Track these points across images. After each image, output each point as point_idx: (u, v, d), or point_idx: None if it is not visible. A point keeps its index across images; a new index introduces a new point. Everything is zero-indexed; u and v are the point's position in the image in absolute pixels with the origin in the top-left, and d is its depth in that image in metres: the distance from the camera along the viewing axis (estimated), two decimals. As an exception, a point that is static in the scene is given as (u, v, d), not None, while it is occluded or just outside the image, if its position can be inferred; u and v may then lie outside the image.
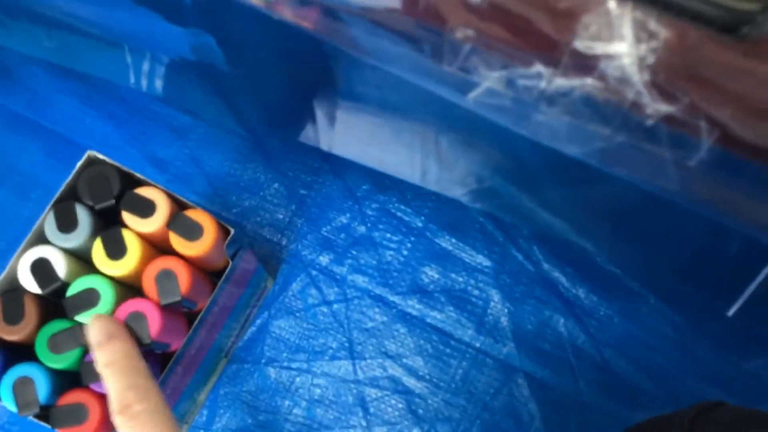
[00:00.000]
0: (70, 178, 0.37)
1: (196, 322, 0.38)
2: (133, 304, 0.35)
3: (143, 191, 0.37)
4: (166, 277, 0.35)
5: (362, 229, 0.54)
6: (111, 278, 0.36)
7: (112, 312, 0.35)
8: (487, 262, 0.53)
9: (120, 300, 0.36)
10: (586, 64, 0.21)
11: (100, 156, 0.37)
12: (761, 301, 0.41)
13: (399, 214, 0.54)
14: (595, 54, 0.20)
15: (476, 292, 0.52)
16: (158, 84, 0.46)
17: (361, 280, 0.53)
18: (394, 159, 0.48)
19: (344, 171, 0.55)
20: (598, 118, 0.22)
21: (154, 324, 0.35)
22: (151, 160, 0.55)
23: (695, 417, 0.32)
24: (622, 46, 0.20)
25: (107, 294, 0.35)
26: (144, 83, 0.44)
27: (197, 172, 0.55)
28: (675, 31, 0.20)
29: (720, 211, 0.27)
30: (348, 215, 0.54)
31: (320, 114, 0.44)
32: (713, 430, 0.31)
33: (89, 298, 0.35)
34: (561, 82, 0.21)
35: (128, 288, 0.38)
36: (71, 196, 0.37)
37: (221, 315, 0.43)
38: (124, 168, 0.37)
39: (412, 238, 0.53)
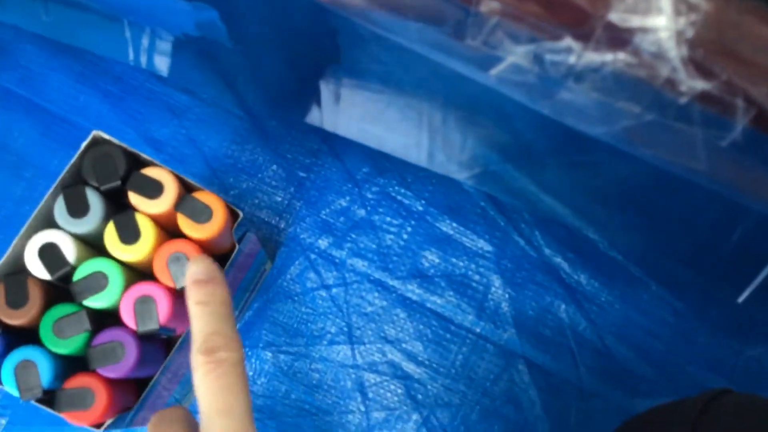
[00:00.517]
0: (74, 159, 0.36)
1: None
2: (142, 288, 0.34)
3: (150, 172, 0.36)
4: (178, 261, 0.35)
5: (362, 212, 0.53)
6: (120, 262, 0.35)
7: (121, 296, 0.34)
8: (488, 247, 0.52)
9: (129, 284, 0.35)
10: (619, 38, 0.20)
11: (105, 136, 0.36)
12: (764, 288, 0.41)
13: (399, 197, 0.53)
14: (630, 27, 0.20)
15: (477, 277, 0.52)
16: (157, 60, 0.45)
17: (360, 264, 0.52)
18: (398, 139, 0.47)
19: (344, 153, 0.54)
20: (628, 96, 0.22)
21: (163, 308, 0.34)
22: (147, 140, 0.54)
23: (702, 408, 0.31)
24: (660, 20, 0.19)
25: (116, 278, 0.34)
26: (143, 59, 0.43)
27: (194, 153, 0.54)
28: (716, 3, 0.19)
29: (747, 193, 0.27)
30: (347, 198, 0.53)
31: (325, 93, 0.43)
32: (720, 421, 0.31)
33: (97, 282, 0.34)
34: (592, 57, 0.21)
35: (137, 272, 0.37)
36: (76, 177, 0.36)
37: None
38: (130, 148, 0.36)
39: (413, 222, 0.53)
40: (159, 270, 0.35)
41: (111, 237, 0.35)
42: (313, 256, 0.52)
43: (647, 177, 0.39)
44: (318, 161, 0.54)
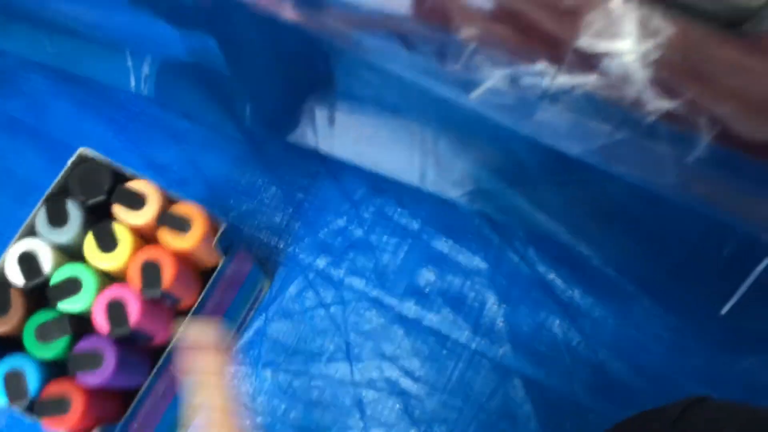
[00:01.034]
0: (61, 174, 0.38)
1: (188, 319, 0.38)
2: (113, 292, 0.35)
3: (134, 185, 0.37)
4: (150, 268, 0.36)
5: (359, 232, 0.54)
6: (95, 268, 0.37)
7: (94, 299, 0.36)
8: (483, 265, 0.53)
9: (103, 288, 0.36)
10: (589, 62, 0.21)
11: (92, 153, 0.38)
12: (754, 300, 0.42)
13: (396, 217, 0.54)
14: (598, 52, 0.21)
15: (472, 294, 0.53)
16: (158, 88, 0.46)
17: (358, 282, 0.53)
18: (392, 160, 0.48)
19: (341, 174, 0.55)
20: (599, 116, 0.23)
21: (134, 311, 0.35)
22: (149, 164, 0.55)
23: (679, 415, 0.32)
24: (626, 44, 0.21)
25: (89, 282, 0.36)
26: (144, 87, 0.44)
27: (196, 176, 0.55)
28: (678, 28, 0.20)
29: (716, 208, 0.28)
30: (345, 218, 0.54)
31: (320, 116, 0.44)
32: (696, 426, 0.31)
33: (71, 286, 0.35)
34: (564, 80, 0.22)
35: (113, 279, 0.38)
36: (63, 192, 0.38)
37: (215, 315, 0.43)
38: (115, 164, 0.38)
39: (409, 241, 0.54)
40: (131, 275, 0.36)
41: (90, 245, 0.36)
42: (311, 276, 0.53)
43: (636, 194, 0.40)
44: (316, 183, 0.55)
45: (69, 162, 0.39)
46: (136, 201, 0.37)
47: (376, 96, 0.44)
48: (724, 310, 0.36)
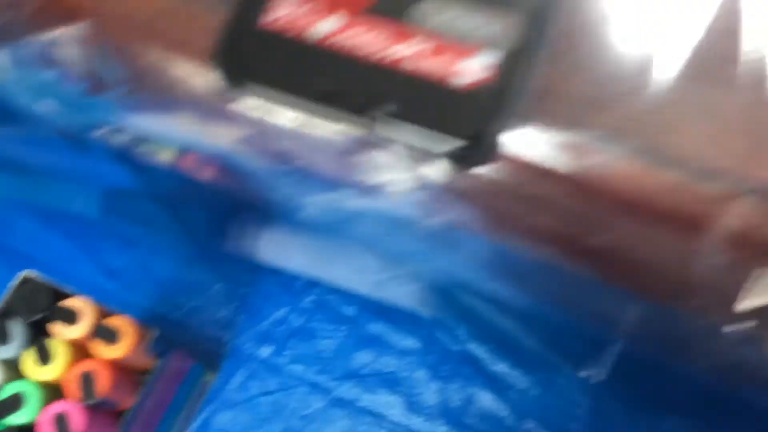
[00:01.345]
0: (6, 295, 0.42)
1: (125, 420, 0.42)
2: (56, 406, 0.39)
3: (69, 303, 0.42)
4: (86, 379, 0.40)
5: (300, 320, 0.58)
6: (40, 383, 0.41)
7: (38, 412, 0.39)
8: (416, 344, 0.57)
9: (47, 401, 0.40)
10: (375, 190, 0.26)
11: (34, 274, 0.43)
12: (661, 363, 0.45)
13: (333, 304, 0.58)
14: (378, 182, 0.26)
15: (406, 373, 0.56)
16: (104, 209, 0.52)
17: (299, 369, 0.56)
18: (319, 266, 0.53)
19: (281, 269, 0.59)
20: (397, 227, 0.27)
21: (77, 423, 0.39)
22: (104, 270, 0.60)
23: None
24: (395, 175, 0.25)
25: (34, 397, 0.40)
26: (93, 211, 0.50)
27: (146, 278, 0.60)
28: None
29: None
30: (286, 308, 0.58)
31: (250, 229, 0.49)
32: None
33: (16, 401, 0.39)
34: (362, 202, 0.27)
35: (56, 392, 0.42)
36: (7, 311, 0.42)
37: (156, 411, 0.46)
38: (54, 284, 0.42)
39: (346, 326, 0.58)
40: (70, 386, 0.40)
41: (28, 360, 0.41)
42: (255, 365, 0.57)
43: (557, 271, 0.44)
44: (258, 277, 0.59)
45: (12, 284, 0.43)
46: (70, 317, 0.42)
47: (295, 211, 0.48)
48: (594, 380, 0.39)
